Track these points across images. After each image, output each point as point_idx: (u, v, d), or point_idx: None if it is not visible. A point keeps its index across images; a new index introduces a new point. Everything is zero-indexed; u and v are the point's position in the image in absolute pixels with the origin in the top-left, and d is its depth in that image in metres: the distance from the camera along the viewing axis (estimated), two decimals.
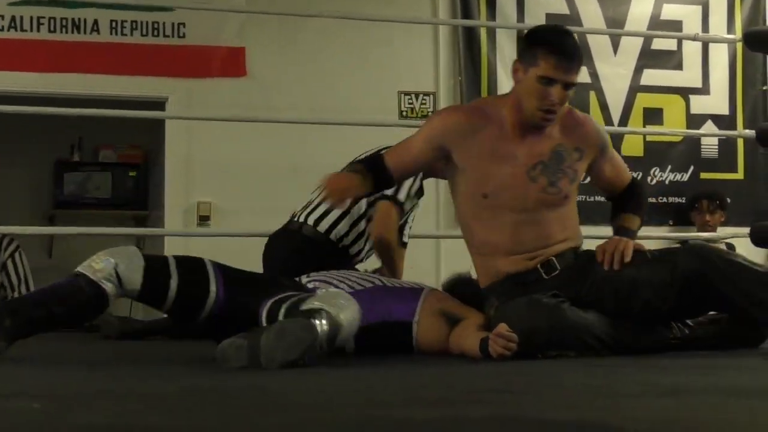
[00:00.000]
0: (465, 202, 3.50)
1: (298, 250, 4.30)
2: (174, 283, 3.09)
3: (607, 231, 3.70)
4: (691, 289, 3.26)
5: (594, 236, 3.94)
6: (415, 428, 1.62)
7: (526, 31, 3.70)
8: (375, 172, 3.54)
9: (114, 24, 6.39)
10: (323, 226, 4.29)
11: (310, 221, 4.30)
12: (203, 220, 6.41)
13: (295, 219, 4.40)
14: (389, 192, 4.12)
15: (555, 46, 3.34)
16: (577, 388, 2.38)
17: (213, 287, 3.12)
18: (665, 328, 3.39)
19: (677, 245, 5.19)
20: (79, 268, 3.09)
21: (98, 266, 3.06)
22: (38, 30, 6.31)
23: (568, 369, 2.82)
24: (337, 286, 3.32)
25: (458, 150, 3.41)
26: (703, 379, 2.52)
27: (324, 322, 2.80)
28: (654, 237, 5.84)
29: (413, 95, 6.76)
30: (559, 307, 3.21)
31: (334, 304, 2.91)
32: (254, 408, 1.99)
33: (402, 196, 4.18)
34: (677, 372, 2.75)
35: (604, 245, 3.45)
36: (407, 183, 4.17)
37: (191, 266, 3.20)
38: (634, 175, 4.17)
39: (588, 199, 5.81)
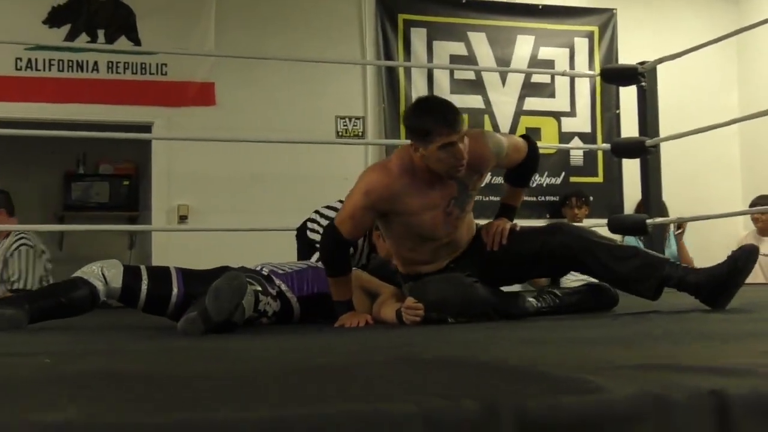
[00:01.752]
0: (395, 237, 3.33)
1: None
2: (145, 285, 3.14)
3: None
4: (556, 258, 3.28)
5: None
6: (333, 372, 1.67)
7: (408, 115, 3.33)
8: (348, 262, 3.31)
9: (110, 64, 6.37)
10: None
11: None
12: (182, 218, 6.40)
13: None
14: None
15: (441, 117, 3.07)
16: (466, 341, 2.45)
17: (175, 287, 3.16)
18: (540, 297, 3.42)
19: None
20: (76, 273, 3.17)
21: (89, 270, 3.15)
22: (50, 69, 6.27)
23: (467, 329, 2.84)
24: (281, 268, 3.36)
25: (392, 208, 3.19)
26: (563, 334, 2.60)
27: (252, 282, 2.91)
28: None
29: (347, 119, 6.79)
30: (472, 284, 3.18)
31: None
32: (216, 360, 2.04)
33: None
34: (548, 328, 2.80)
35: (486, 228, 3.40)
36: None
37: (158, 271, 3.25)
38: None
39: (484, 199, 5.91)
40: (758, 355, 1.77)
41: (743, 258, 3.18)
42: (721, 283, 3.17)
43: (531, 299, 3.39)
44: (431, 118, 3.07)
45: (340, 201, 3.63)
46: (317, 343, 2.61)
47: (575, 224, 5.01)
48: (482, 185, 3.45)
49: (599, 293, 3.49)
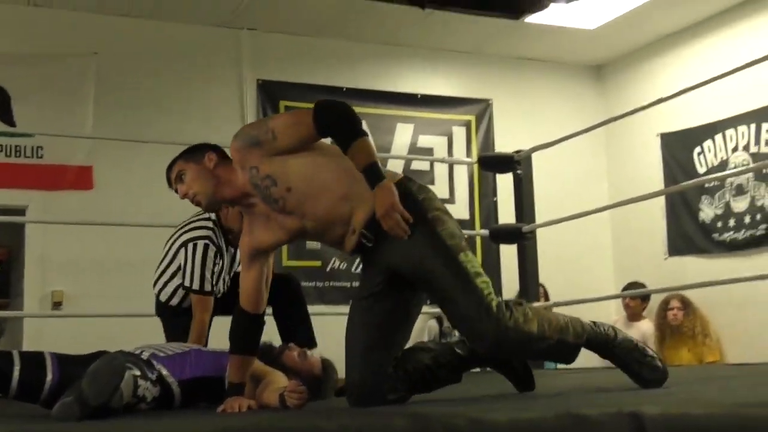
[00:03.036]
0: None
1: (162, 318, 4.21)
2: (17, 370, 3.04)
3: None
4: None
5: None
6: None
7: None
8: (249, 344, 3.09)
9: None
10: (163, 297, 4.16)
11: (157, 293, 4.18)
12: (57, 305, 6.23)
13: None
14: (195, 287, 3.94)
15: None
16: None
17: (49, 372, 3.07)
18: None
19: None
20: None
21: None
22: None
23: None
24: (162, 350, 3.30)
25: None
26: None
27: (131, 366, 2.84)
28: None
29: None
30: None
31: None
32: None
33: (207, 286, 3.96)
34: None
35: None
36: (207, 273, 3.95)
37: (31, 356, 3.15)
38: None
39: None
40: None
41: None
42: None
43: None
44: None
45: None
46: (197, 429, 2.57)
47: None
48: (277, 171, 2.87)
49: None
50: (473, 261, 2.71)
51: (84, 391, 2.63)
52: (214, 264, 4.01)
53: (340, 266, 7.05)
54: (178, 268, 4.09)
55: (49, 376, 3.04)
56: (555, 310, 6.99)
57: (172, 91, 6.83)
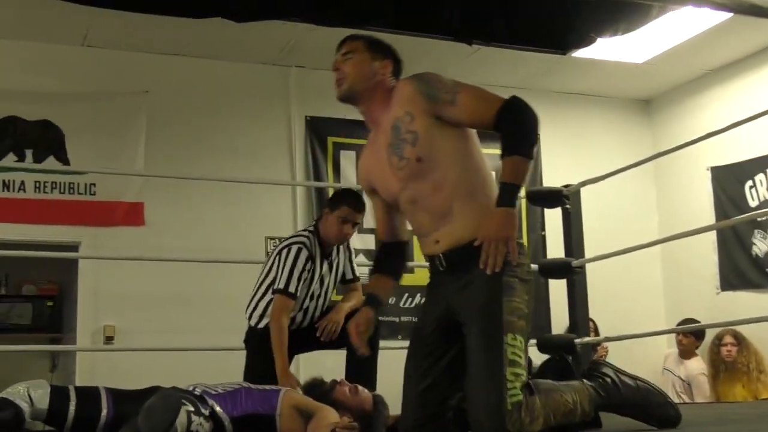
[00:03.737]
0: None
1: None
2: (72, 405, 3.08)
3: None
4: None
5: None
6: None
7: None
8: (387, 265, 3.05)
9: (38, 184, 6.35)
10: (253, 320, 4.20)
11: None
12: (109, 339, 6.31)
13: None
14: (280, 286, 4.02)
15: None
16: None
17: (104, 408, 3.11)
18: None
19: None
20: (1, 394, 3.10)
21: (15, 391, 3.08)
22: None
23: None
24: (214, 388, 3.32)
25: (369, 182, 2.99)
26: None
27: (185, 402, 2.87)
28: None
29: (276, 239, 6.80)
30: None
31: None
32: None
33: (292, 287, 4.04)
34: None
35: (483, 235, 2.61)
36: (296, 273, 4.03)
37: (87, 391, 3.20)
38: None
39: None
40: None
41: None
42: None
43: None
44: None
45: None
46: None
47: None
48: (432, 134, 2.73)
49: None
50: (518, 347, 2.55)
51: (141, 426, 2.67)
52: (304, 268, 4.06)
53: (389, 300, 7.03)
54: (272, 281, 4.12)
55: (104, 411, 3.09)
56: (605, 345, 6.93)
57: (221, 128, 6.92)
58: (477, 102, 2.72)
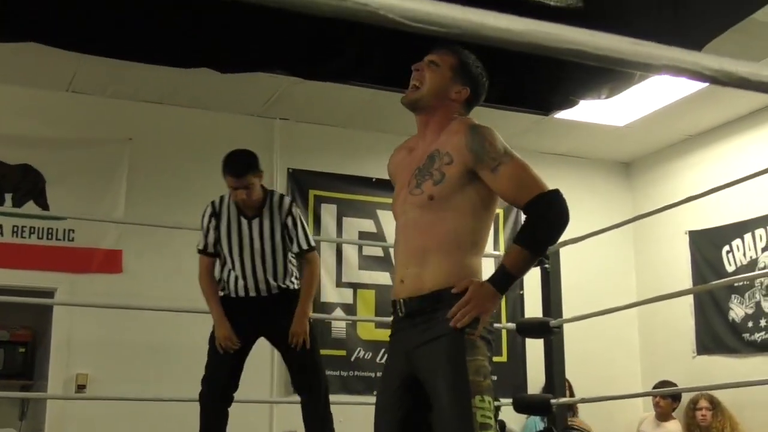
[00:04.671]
0: None
1: None
2: None
3: None
4: None
5: None
6: None
7: None
8: None
9: (16, 228, 6.33)
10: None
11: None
12: (81, 388, 6.23)
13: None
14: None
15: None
16: None
17: None
18: None
19: None
20: None
21: None
22: None
23: None
24: None
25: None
26: None
27: None
28: None
29: None
30: None
31: None
32: None
33: (200, 244, 4.44)
34: None
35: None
36: (203, 231, 4.42)
37: None
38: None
39: None
40: None
41: None
42: None
43: None
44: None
45: None
46: None
47: None
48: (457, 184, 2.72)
49: None
50: (486, 408, 2.54)
51: None
52: (208, 226, 4.42)
53: (365, 356, 7.02)
54: None
55: None
56: (580, 406, 6.93)
57: (203, 177, 6.91)
58: (516, 182, 2.69)
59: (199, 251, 4.45)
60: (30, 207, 6.41)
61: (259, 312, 4.30)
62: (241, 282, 4.33)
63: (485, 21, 0.79)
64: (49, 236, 6.41)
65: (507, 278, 2.66)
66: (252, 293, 4.33)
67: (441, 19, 0.77)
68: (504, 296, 7.41)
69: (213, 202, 4.48)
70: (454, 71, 2.84)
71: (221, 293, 4.41)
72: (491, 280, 2.64)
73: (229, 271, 4.35)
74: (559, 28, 0.86)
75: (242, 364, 4.32)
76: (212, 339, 4.31)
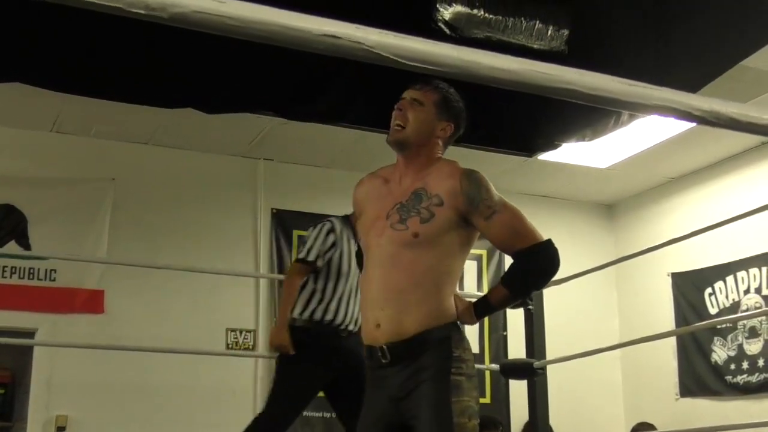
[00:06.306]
0: None
1: None
2: None
3: None
4: None
5: None
6: None
7: None
8: None
9: None
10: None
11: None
12: (60, 430, 6.16)
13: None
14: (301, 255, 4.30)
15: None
16: None
17: None
18: None
19: None
20: None
21: None
22: None
23: None
24: None
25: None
26: None
27: None
28: None
29: (237, 331, 6.77)
30: None
31: None
32: None
33: (302, 254, 4.30)
34: None
35: None
36: (316, 244, 4.28)
37: None
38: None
39: None
40: None
41: None
42: None
43: None
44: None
45: None
46: None
47: None
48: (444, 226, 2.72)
49: None
50: None
51: None
52: (325, 241, 4.30)
53: None
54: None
55: None
56: None
57: (187, 217, 6.91)
58: (509, 231, 2.70)
59: (299, 260, 4.42)
60: (11, 247, 6.35)
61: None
62: (335, 308, 4.47)
63: (480, 60, 0.79)
64: (31, 276, 6.36)
65: (488, 311, 2.80)
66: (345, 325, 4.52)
67: (436, 58, 0.77)
68: (487, 337, 7.38)
69: (331, 221, 4.49)
70: (438, 108, 2.85)
71: None
72: (475, 309, 2.74)
73: None
74: (552, 68, 0.86)
75: None
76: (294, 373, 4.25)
